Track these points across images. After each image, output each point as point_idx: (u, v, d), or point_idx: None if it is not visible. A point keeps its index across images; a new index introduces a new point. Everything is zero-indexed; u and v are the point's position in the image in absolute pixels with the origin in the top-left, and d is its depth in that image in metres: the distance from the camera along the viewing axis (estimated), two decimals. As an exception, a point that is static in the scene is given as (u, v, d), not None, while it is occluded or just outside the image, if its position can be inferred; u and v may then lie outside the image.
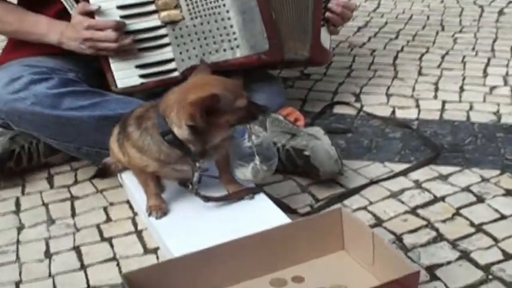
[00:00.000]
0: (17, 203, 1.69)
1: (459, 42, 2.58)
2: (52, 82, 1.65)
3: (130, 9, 1.73)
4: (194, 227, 1.41)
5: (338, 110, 2.09)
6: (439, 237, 1.47)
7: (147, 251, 1.48)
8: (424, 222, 1.52)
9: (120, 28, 1.69)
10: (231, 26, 1.77)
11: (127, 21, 1.72)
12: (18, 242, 1.54)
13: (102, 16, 1.70)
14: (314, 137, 1.67)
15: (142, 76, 1.76)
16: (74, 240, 1.53)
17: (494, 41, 2.57)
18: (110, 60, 1.74)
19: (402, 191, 1.65)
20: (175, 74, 1.78)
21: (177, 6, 1.74)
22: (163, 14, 1.74)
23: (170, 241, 1.37)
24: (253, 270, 1.37)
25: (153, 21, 1.75)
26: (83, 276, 1.41)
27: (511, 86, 2.18)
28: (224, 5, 1.75)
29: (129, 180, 1.59)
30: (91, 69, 1.80)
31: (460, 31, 2.71)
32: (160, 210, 1.45)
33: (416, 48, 2.53)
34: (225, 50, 1.78)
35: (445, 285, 1.32)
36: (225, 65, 1.78)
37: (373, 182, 1.69)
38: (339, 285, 1.34)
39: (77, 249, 1.50)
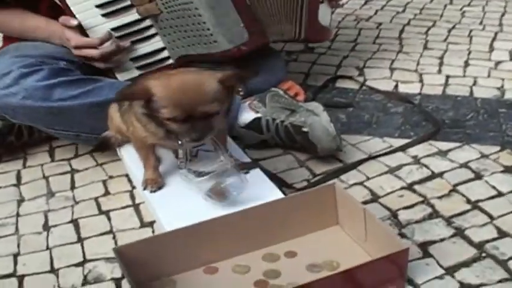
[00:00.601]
0: (18, 176, 1.72)
1: (467, 15, 2.55)
2: (42, 74, 1.64)
3: (108, 7, 1.72)
4: (188, 201, 1.42)
5: (340, 84, 2.08)
6: (435, 214, 1.46)
7: (143, 224, 1.50)
8: (420, 199, 1.52)
9: (105, 41, 1.70)
10: (204, 23, 1.72)
11: (108, 19, 1.73)
12: (17, 214, 1.56)
13: (84, 19, 1.71)
14: (313, 113, 1.66)
15: (139, 68, 1.78)
16: (72, 213, 1.55)
17: (503, 14, 2.54)
18: None
19: (400, 166, 1.65)
20: (170, 61, 1.80)
21: (152, 0, 1.73)
22: (140, 8, 1.73)
23: (163, 215, 1.38)
24: (246, 245, 1.38)
25: (133, 15, 1.75)
26: (80, 249, 1.43)
27: (517, 60, 2.16)
28: (192, 2, 1.71)
29: (127, 154, 1.60)
30: None
31: (469, 4, 2.68)
32: (156, 184, 1.47)
33: (423, 22, 2.51)
34: (206, 44, 1.75)
35: (437, 262, 1.32)
36: (212, 57, 1.76)
37: (371, 158, 1.69)
38: (331, 261, 1.35)
39: (74, 222, 1.52)
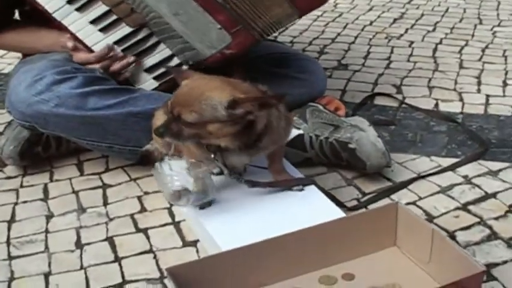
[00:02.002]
0: (45, 190, 1.61)
1: (498, 36, 2.49)
2: (76, 81, 1.56)
3: (101, 22, 1.62)
4: (240, 218, 1.33)
5: (379, 101, 2.00)
6: (493, 236, 1.38)
7: (185, 243, 1.39)
8: (477, 220, 1.43)
9: (103, 55, 1.61)
10: (174, 31, 1.60)
11: (107, 34, 1.63)
12: (47, 231, 1.46)
13: (85, 36, 1.63)
14: (358, 129, 1.58)
15: (156, 78, 1.67)
16: (107, 230, 1.45)
17: (538, 33, 2.48)
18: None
19: (452, 186, 1.56)
20: (184, 67, 1.66)
21: (133, 11, 1.59)
22: (127, 20, 1.60)
23: (216, 234, 1.28)
24: (302, 267, 1.28)
25: (125, 28, 1.62)
26: (117, 269, 1.33)
27: (556, 82, 2.09)
28: (155, 11, 1.57)
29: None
30: None
31: (498, 25, 2.62)
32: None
33: (456, 41, 2.44)
34: (189, 52, 1.62)
35: (503, 285, 1.24)
36: (206, 64, 1.62)
37: (421, 177, 1.60)
38: (393, 284, 1.25)
39: (110, 240, 1.42)
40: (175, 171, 1.29)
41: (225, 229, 1.29)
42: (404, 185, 1.58)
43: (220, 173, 1.39)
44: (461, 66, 2.22)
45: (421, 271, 1.28)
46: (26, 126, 1.59)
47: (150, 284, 1.27)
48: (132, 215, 1.50)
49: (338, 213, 1.35)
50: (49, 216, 1.51)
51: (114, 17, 1.61)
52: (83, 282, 1.29)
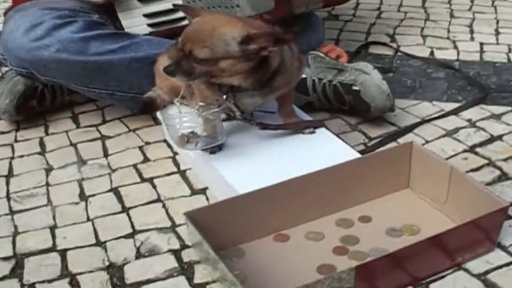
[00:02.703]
0: (42, 144, 1.55)
1: (486, -15, 2.47)
2: (76, 25, 1.51)
3: None
4: (254, 161, 1.29)
5: (374, 50, 1.97)
6: (504, 176, 1.37)
7: (194, 191, 1.36)
8: (486, 161, 1.42)
9: None
10: None
11: None
12: (47, 184, 1.40)
13: None
14: (362, 72, 1.54)
15: (151, 25, 1.63)
16: (111, 181, 1.40)
17: (523, -16, 2.46)
18: (116, 9, 1.61)
19: (457, 129, 1.55)
20: (185, 22, 1.63)
21: None
22: None
23: (231, 177, 1.23)
24: (318, 210, 1.26)
25: None
26: (126, 220, 1.28)
27: (549, 29, 2.09)
28: None
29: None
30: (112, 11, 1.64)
31: (486, -24, 2.59)
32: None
33: (444, -8, 2.42)
34: (227, 8, 1.59)
35: (519, 224, 1.23)
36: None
37: (425, 121, 1.58)
38: (410, 225, 1.24)
39: (115, 190, 1.37)
40: (184, 114, 1.24)
41: (240, 173, 1.25)
42: (410, 129, 1.55)
43: (228, 118, 1.35)
44: (452, 16, 2.20)
45: (438, 212, 1.27)
46: (23, 73, 1.52)
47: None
48: (135, 166, 1.45)
49: (353, 153, 1.32)
50: (48, 170, 1.45)
51: None
52: (91, 233, 1.25)
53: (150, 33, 1.62)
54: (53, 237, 1.24)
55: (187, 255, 1.18)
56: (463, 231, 1.12)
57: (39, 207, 1.33)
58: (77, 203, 1.34)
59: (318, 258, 1.16)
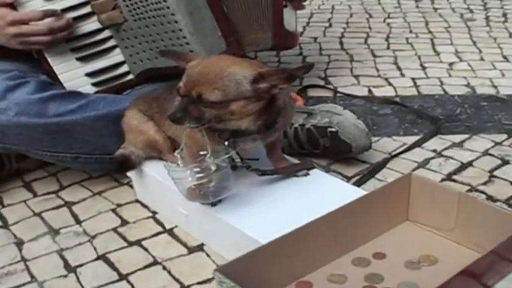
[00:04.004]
0: (1, 217, 1.39)
1: (393, 26, 2.57)
2: (30, 86, 1.40)
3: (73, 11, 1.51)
4: (263, 210, 1.21)
5: (312, 93, 1.96)
6: (491, 199, 1.39)
7: (190, 249, 1.26)
8: (467, 187, 1.44)
9: (48, 16, 1.45)
10: (180, 30, 1.52)
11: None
12: (23, 259, 1.25)
13: (23, 7, 1.46)
14: (333, 113, 1.52)
15: (95, 84, 1.55)
16: (95, 248, 1.27)
17: (427, 23, 2.59)
18: (56, 71, 1.52)
19: (427, 160, 1.56)
20: (130, 77, 1.58)
21: (116, 7, 1.52)
22: (102, 16, 1.52)
23: (246, 228, 1.15)
24: (333, 251, 1.20)
25: (93, 24, 1.53)
26: (129, 287, 1.16)
27: (467, 61, 2.19)
28: (168, 7, 1.50)
29: (155, 171, 1.35)
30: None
31: (388, 17, 2.70)
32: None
33: (357, 34, 2.48)
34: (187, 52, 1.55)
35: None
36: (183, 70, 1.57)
37: (393, 156, 1.58)
38: (427, 255, 1.21)
39: (103, 258, 1.24)
40: (195, 165, 1.15)
41: (253, 222, 1.16)
42: (383, 164, 1.55)
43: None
44: (374, 55, 2.26)
45: (446, 240, 1.25)
46: None
47: None
48: (115, 229, 1.33)
49: (354, 190, 1.28)
50: (19, 243, 1.30)
51: (88, 9, 1.49)
52: (97, 307, 1.12)
53: (95, 93, 1.53)
54: (54, 318, 1.10)
55: (212, 316, 1.08)
56: (492, 256, 1.11)
57: (24, 284, 1.18)
58: (65, 276, 1.19)
59: (350, 301, 1.11)
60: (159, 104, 1.33)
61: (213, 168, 1.14)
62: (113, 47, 1.56)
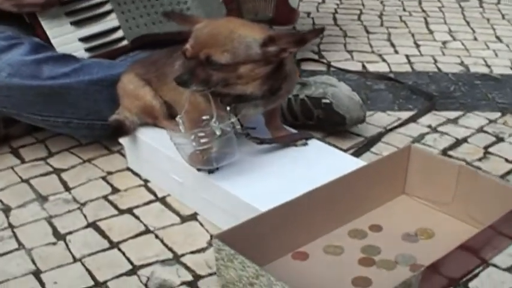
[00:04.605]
0: (-12, 183, 1.35)
1: (387, 4, 2.53)
2: (24, 48, 1.36)
3: None
4: (262, 178, 1.18)
5: (306, 67, 1.93)
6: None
7: (183, 218, 1.23)
8: (463, 163, 1.41)
9: None
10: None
11: None
12: (11, 225, 1.21)
13: None
14: (328, 85, 1.50)
15: (88, 50, 1.51)
16: (85, 216, 1.24)
17: (420, 2, 2.56)
18: (49, 35, 1.47)
19: (422, 135, 1.54)
20: (124, 42, 1.54)
21: None
22: None
23: (246, 196, 1.12)
24: (329, 223, 1.18)
25: None
26: (120, 255, 1.13)
27: (461, 40, 2.17)
28: None
29: (149, 138, 1.31)
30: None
31: (383, -5, 2.68)
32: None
33: (350, 10, 2.44)
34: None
35: None
36: (179, 36, 1.52)
37: (388, 130, 1.56)
38: (424, 229, 1.19)
39: (94, 225, 1.21)
40: (200, 130, 1.11)
41: (253, 190, 1.14)
42: (378, 138, 1.53)
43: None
44: (367, 32, 2.23)
45: (442, 214, 1.24)
46: None
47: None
48: (105, 197, 1.29)
49: (354, 161, 1.26)
50: (6, 210, 1.26)
51: None
52: (85, 274, 1.08)
53: (88, 58, 1.49)
54: (41, 283, 1.06)
55: (205, 286, 1.06)
56: (490, 231, 1.09)
57: (11, 252, 1.14)
58: (54, 243, 1.16)
59: (348, 272, 1.08)
60: (158, 68, 1.30)
61: (218, 133, 1.11)
62: (109, 12, 1.52)
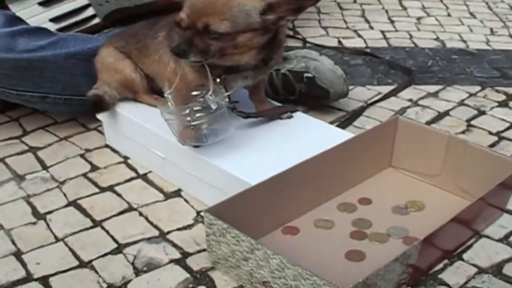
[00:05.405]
0: (-41, 163, 1.29)
1: (358, -20, 2.51)
2: None
3: None
4: (249, 152, 1.15)
5: (282, 43, 1.90)
6: (471, 147, 1.37)
7: (167, 195, 1.19)
8: (452, 133, 1.41)
9: None
10: None
11: None
12: (-13, 205, 1.16)
13: None
14: (310, 59, 1.47)
15: (60, 30, 1.46)
16: (65, 195, 1.19)
17: (391, -21, 2.55)
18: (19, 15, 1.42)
19: (404, 109, 1.53)
20: (96, 20, 1.49)
21: None
22: None
23: (235, 170, 1.08)
24: (318, 197, 1.16)
25: None
26: (104, 234, 1.09)
27: (435, 16, 2.16)
28: None
29: (130, 113, 1.27)
30: None
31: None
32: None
33: (322, -13, 2.42)
34: None
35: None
36: (152, 7, 1.48)
37: (369, 104, 1.54)
38: (414, 201, 1.18)
39: (75, 204, 1.16)
40: (195, 104, 1.06)
41: (242, 165, 1.10)
42: (360, 112, 1.51)
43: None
44: (341, 8, 2.20)
45: (430, 186, 1.22)
46: None
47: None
48: (85, 175, 1.25)
49: (341, 133, 1.24)
50: (-19, 189, 1.20)
51: None
52: (69, 254, 1.04)
53: None
54: (23, 264, 1.01)
55: (195, 263, 1.02)
56: (481, 203, 1.08)
57: (-10, 232, 1.09)
58: (34, 223, 1.11)
59: (340, 245, 1.06)
60: (139, 40, 1.25)
61: (214, 107, 1.06)
62: None
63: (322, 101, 1.47)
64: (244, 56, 1.09)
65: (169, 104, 1.09)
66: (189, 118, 1.06)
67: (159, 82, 1.22)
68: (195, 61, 1.06)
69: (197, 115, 1.06)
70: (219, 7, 1.03)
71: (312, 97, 1.47)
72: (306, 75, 1.44)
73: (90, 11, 1.49)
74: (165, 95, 1.09)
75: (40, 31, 1.33)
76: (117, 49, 1.26)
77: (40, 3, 1.46)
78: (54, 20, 1.46)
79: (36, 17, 1.44)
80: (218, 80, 1.10)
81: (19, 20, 1.35)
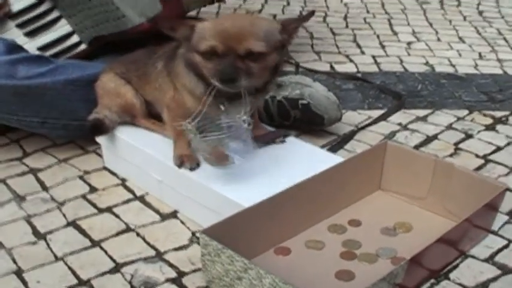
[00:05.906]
0: (-39, 184, 1.32)
1: (351, 7, 2.57)
2: None
3: None
4: (243, 175, 1.18)
5: (275, 68, 1.95)
6: (458, 170, 1.41)
7: (163, 216, 1.23)
8: (439, 156, 1.46)
9: None
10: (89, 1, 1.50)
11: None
12: (-12, 225, 1.19)
13: None
14: (303, 85, 1.51)
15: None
16: (64, 215, 1.22)
17: (383, 5, 2.61)
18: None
19: (393, 133, 1.57)
20: (83, 46, 1.54)
21: None
22: None
23: (230, 193, 1.13)
24: (309, 219, 1.20)
25: None
26: (102, 254, 1.12)
27: (425, 41, 2.21)
28: None
29: (128, 136, 1.31)
30: None
31: (345, -3, 2.72)
32: (193, 160, 1.19)
33: (315, 13, 2.46)
34: (114, 21, 1.51)
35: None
36: (127, 35, 1.52)
37: (360, 128, 1.59)
38: (402, 223, 1.22)
39: (74, 224, 1.20)
40: (229, 123, 1.10)
41: (236, 188, 1.14)
42: (351, 136, 1.55)
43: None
44: (333, 33, 2.26)
45: (418, 208, 1.26)
46: None
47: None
48: (84, 196, 1.28)
49: (331, 157, 1.28)
50: (-18, 210, 1.24)
51: None
52: (68, 273, 1.07)
53: None
54: (24, 283, 1.05)
55: (190, 282, 1.06)
56: (466, 224, 1.12)
57: (-9, 251, 1.13)
58: (34, 243, 1.15)
59: (331, 266, 1.10)
60: (139, 67, 1.30)
61: (247, 126, 1.10)
62: (58, 18, 1.53)
63: (317, 126, 1.51)
64: (258, 80, 1.13)
65: (187, 131, 1.11)
66: (226, 131, 1.10)
67: (158, 108, 1.27)
68: (243, 85, 1.09)
69: (228, 134, 1.10)
70: (253, 30, 1.08)
71: (307, 123, 1.51)
72: (301, 102, 1.49)
73: (75, 38, 1.54)
74: (184, 124, 1.10)
75: (39, 59, 1.38)
76: (118, 75, 1.31)
77: (25, 34, 1.51)
78: (42, 48, 1.51)
79: (24, 46, 1.48)
80: (223, 107, 1.14)
81: (19, 48, 1.40)
